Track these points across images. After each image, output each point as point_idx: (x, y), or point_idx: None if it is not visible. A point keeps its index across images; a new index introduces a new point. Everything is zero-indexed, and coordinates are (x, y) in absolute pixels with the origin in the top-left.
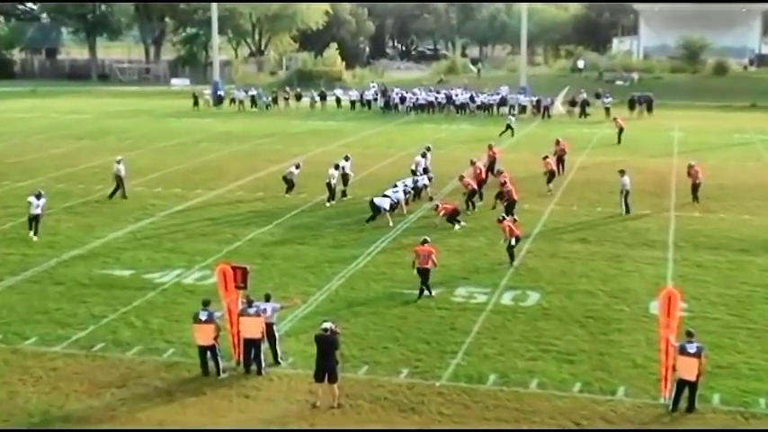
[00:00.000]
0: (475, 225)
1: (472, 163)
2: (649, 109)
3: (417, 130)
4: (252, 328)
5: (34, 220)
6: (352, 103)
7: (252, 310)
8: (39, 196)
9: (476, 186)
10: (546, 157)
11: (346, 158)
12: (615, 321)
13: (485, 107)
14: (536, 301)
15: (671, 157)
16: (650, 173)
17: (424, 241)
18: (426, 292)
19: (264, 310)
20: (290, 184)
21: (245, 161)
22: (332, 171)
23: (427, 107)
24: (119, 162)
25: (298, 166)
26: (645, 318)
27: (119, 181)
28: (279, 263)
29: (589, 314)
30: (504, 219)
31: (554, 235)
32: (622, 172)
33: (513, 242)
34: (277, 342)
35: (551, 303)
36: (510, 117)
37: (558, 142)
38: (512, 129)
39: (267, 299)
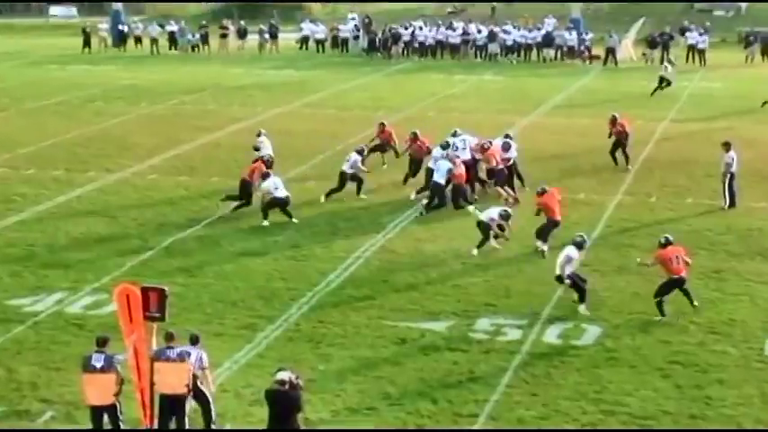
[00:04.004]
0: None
1: (483, 150)
2: (766, 52)
3: (418, 83)
4: (172, 378)
5: None
6: (320, 42)
7: (173, 353)
8: None
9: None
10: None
11: (359, 152)
12: (714, 369)
13: (519, 48)
14: (596, 339)
15: None
16: (767, 146)
17: (667, 242)
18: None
19: (188, 355)
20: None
21: (160, 129)
22: (355, 157)
23: (433, 49)
24: None
25: (259, 135)
26: (759, 362)
27: None
28: (211, 282)
29: (675, 358)
30: None
31: (622, 239)
32: (727, 145)
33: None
34: (210, 401)
35: (619, 342)
36: (666, 66)
37: (613, 120)
38: (668, 82)
39: (194, 341)
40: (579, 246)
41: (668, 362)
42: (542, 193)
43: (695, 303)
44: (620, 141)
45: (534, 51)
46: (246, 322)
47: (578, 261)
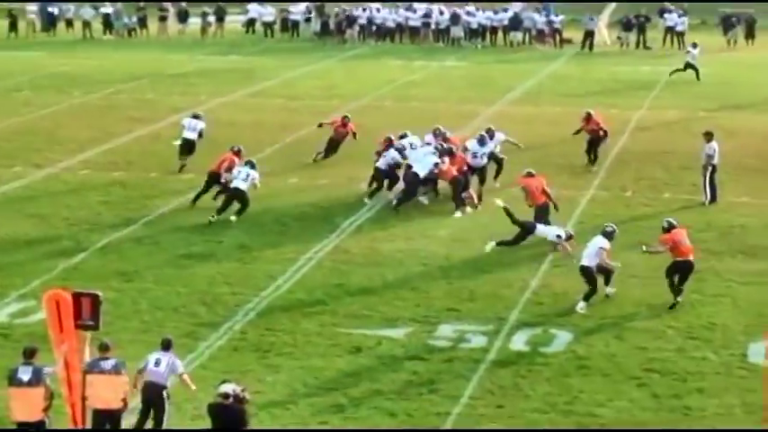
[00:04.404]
0: (469, 223)
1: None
2: (750, 34)
3: (374, 70)
4: (106, 392)
5: None
6: (269, 26)
7: (107, 365)
8: None
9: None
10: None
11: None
12: (694, 377)
13: (484, 31)
14: (566, 346)
15: None
16: (750, 136)
17: (671, 226)
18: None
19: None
20: (188, 149)
21: (93, 121)
22: (393, 154)
23: (391, 32)
24: None
25: (197, 117)
26: (741, 369)
27: None
28: (150, 287)
29: (652, 365)
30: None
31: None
32: (708, 135)
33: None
34: (165, 418)
35: (591, 349)
36: (690, 50)
37: (588, 118)
38: (695, 69)
39: (166, 346)
40: (609, 236)
41: (644, 369)
42: (528, 176)
43: (678, 299)
44: (595, 140)
45: (501, 35)
46: (188, 330)
47: (606, 253)
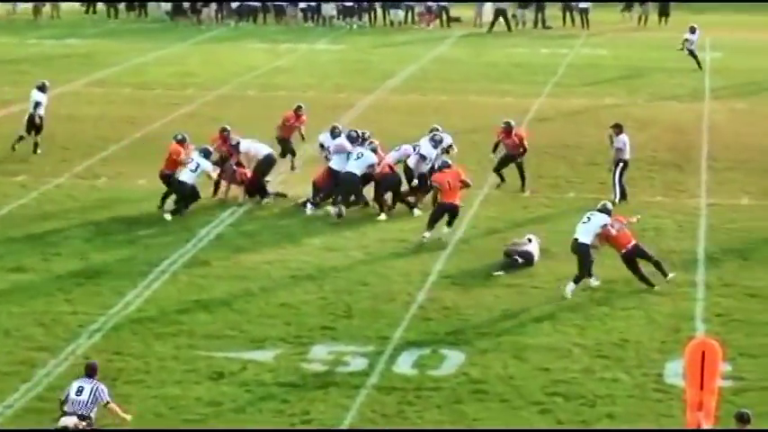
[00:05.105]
0: (344, 230)
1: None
2: (663, 13)
3: (235, 54)
4: None
5: None
6: (112, 4)
7: None
8: None
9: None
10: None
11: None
12: (603, 400)
13: (359, 9)
14: (459, 368)
15: (700, 98)
16: (664, 128)
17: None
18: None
19: (79, 392)
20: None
21: None
22: (407, 150)
23: (254, 11)
24: None
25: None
26: (657, 392)
27: None
28: None
29: (556, 389)
30: None
31: (490, 243)
32: (618, 128)
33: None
34: None
35: (487, 371)
36: (689, 37)
37: (508, 130)
38: (695, 57)
39: (91, 373)
40: (608, 211)
41: (547, 394)
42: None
43: (655, 287)
44: (510, 157)
45: (379, 13)
46: (22, 357)
47: (606, 233)
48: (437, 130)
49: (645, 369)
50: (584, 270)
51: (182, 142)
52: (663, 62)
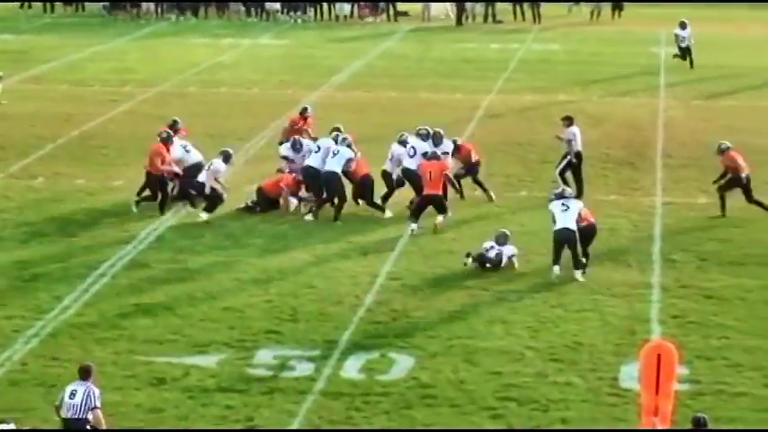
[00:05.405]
0: (288, 230)
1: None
2: (617, 6)
3: (175, 50)
4: None
5: None
6: None
7: None
8: None
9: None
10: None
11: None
12: (557, 405)
13: (304, 2)
14: (408, 372)
15: (655, 94)
16: (618, 125)
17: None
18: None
19: (72, 395)
20: None
21: None
22: (396, 149)
23: (194, 5)
24: None
25: None
26: (612, 396)
27: None
28: None
29: (508, 393)
30: None
31: (437, 245)
32: (568, 120)
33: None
34: None
35: (437, 376)
36: (679, 32)
37: (457, 148)
38: (688, 53)
39: (85, 375)
40: (569, 196)
41: (499, 398)
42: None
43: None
44: (469, 171)
45: (325, 6)
46: None
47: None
48: (338, 130)
49: (599, 373)
50: (582, 251)
51: (166, 141)
52: (616, 57)
